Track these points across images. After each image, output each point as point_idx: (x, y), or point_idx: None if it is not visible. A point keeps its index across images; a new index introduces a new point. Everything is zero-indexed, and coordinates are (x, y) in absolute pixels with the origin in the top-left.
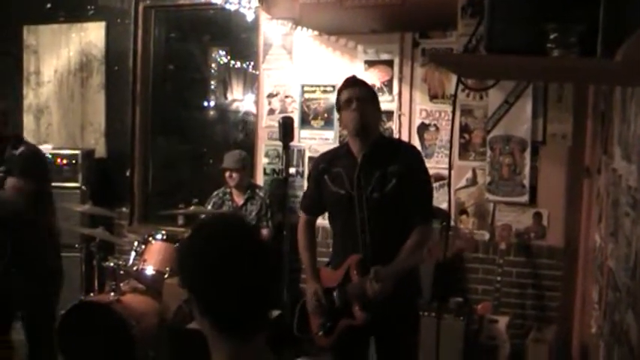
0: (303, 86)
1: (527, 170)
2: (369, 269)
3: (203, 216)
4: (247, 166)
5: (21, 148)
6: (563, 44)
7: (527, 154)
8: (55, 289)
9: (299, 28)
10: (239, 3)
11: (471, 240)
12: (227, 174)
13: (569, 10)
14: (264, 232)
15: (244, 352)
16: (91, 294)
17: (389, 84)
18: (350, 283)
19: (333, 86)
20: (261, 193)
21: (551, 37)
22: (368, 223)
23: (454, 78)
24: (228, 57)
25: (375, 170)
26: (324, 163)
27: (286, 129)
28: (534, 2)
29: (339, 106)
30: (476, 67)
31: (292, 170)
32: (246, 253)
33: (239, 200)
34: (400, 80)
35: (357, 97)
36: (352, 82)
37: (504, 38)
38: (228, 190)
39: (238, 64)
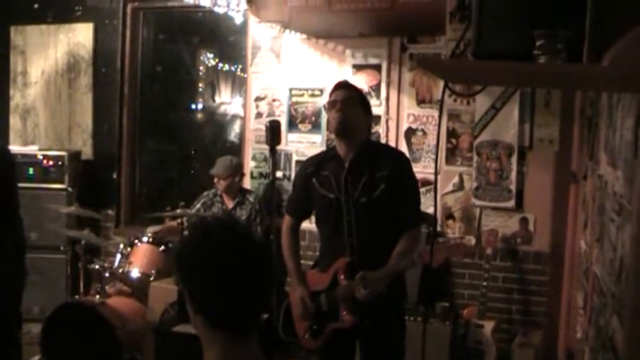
0: (291, 90)
1: (513, 175)
2: (357, 273)
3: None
4: (238, 172)
5: None
6: (550, 50)
7: (514, 159)
8: (20, 289)
9: (287, 31)
10: (228, 5)
11: (460, 247)
12: (215, 179)
13: (555, 16)
14: None
15: (237, 349)
16: (77, 296)
17: (377, 88)
18: (338, 287)
19: (321, 90)
20: (251, 198)
21: (538, 43)
22: (355, 227)
23: (442, 83)
24: (217, 59)
25: (362, 175)
26: (312, 167)
27: (273, 132)
28: (521, 8)
29: (327, 108)
30: (463, 73)
31: (279, 174)
32: (241, 251)
33: (229, 203)
34: (388, 85)
35: (342, 99)
36: (340, 86)
37: (491, 44)
38: (219, 192)
39: (226, 67)
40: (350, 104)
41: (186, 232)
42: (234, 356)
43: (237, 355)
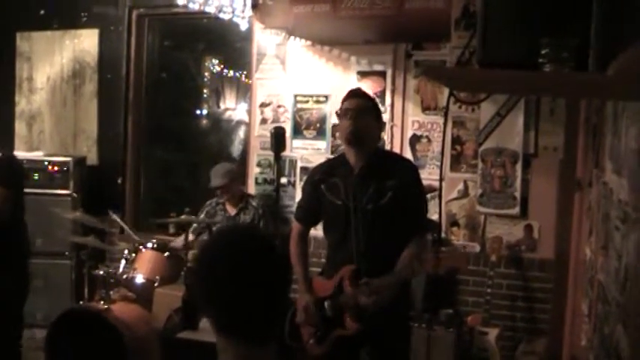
0: (295, 96)
1: (518, 182)
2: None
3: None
4: (235, 177)
5: None
6: (556, 59)
7: (519, 167)
8: (23, 295)
9: (292, 37)
10: (233, 12)
11: (464, 257)
12: (217, 192)
13: (561, 24)
14: None
15: (252, 358)
16: (81, 302)
17: (381, 95)
18: (343, 294)
19: (326, 96)
20: (255, 203)
21: (544, 51)
22: (362, 234)
23: (447, 90)
24: (222, 66)
25: (371, 183)
26: (321, 174)
27: (278, 139)
28: (527, 17)
29: (339, 115)
30: (468, 81)
31: (284, 180)
32: (252, 258)
33: (232, 210)
34: (393, 91)
35: (355, 107)
36: (353, 94)
37: (497, 52)
38: (221, 200)
39: (231, 73)
40: (362, 113)
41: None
42: None
43: None
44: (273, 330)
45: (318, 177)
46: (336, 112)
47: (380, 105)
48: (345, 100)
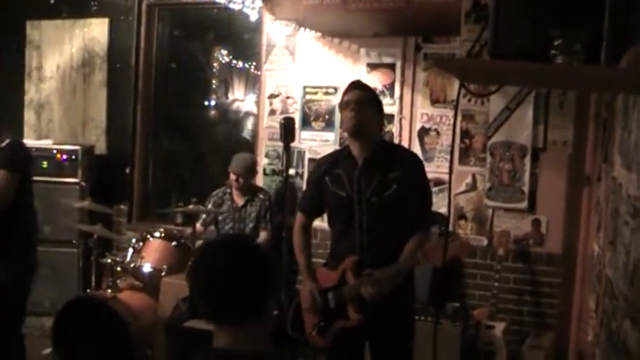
0: (305, 87)
1: (527, 177)
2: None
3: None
4: (253, 170)
5: (7, 141)
6: (568, 51)
7: (528, 161)
8: (28, 282)
9: (302, 29)
10: (243, 3)
11: (466, 245)
12: (233, 177)
13: (573, 17)
14: (263, 234)
15: (235, 338)
16: (88, 290)
17: (391, 87)
18: (346, 285)
19: (335, 88)
20: (262, 195)
21: (556, 43)
22: (366, 226)
23: (456, 83)
24: (231, 56)
25: (375, 174)
26: (325, 165)
27: (287, 130)
28: (539, 9)
29: (341, 107)
30: (479, 73)
31: (292, 171)
32: (215, 262)
33: (239, 201)
34: (402, 84)
35: (356, 99)
36: (355, 86)
37: (508, 44)
38: (228, 190)
39: (240, 64)
40: (363, 104)
41: None
42: (230, 343)
43: (237, 342)
44: (244, 312)
45: (323, 169)
46: (340, 104)
47: (389, 97)
48: (346, 92)
